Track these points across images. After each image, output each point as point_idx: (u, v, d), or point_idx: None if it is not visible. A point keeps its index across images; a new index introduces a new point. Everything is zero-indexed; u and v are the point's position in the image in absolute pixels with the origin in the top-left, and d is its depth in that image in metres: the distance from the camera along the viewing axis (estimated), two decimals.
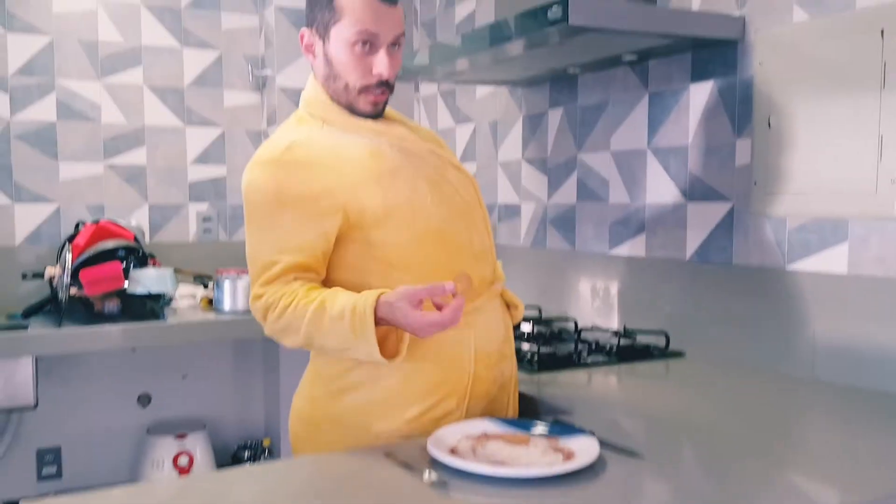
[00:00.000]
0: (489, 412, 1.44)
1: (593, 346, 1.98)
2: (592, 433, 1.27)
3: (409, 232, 1.36)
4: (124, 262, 2.56)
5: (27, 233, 2.80)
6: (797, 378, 1.73)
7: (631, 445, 1.24)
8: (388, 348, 1.28)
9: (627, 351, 1.97)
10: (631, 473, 1.14)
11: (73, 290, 2.50)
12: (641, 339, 2.06)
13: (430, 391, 1.36)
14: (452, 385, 1.37)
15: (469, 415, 1.40)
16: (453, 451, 1.19)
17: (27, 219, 2.80)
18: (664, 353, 1.99)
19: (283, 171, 1.33)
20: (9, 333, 2.34)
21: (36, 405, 2.39)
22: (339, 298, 1.27)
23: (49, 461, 2.80)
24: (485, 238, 1.47)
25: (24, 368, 2.36)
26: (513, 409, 1.51)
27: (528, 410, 1.58)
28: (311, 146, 1.36)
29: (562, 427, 1.28)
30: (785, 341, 1.79)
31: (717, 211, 1.95)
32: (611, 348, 1.98)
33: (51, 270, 2.53)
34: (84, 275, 2.47)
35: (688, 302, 2.03)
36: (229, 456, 2.98)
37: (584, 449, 1.19)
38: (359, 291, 1.36)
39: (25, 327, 2.46)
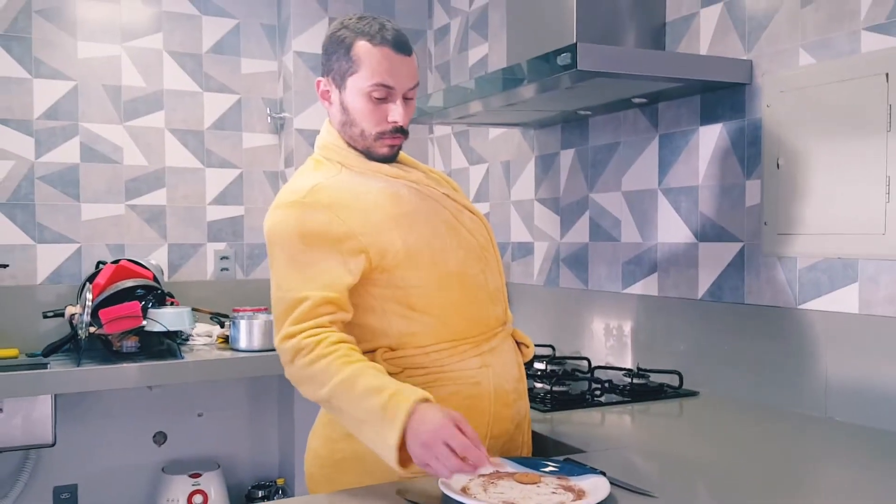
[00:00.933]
0: (506, 451, 1.45)
1: (606, 385, 1.99)
2: (603, 473, 1.28)
3: (429, 274, 1.38)
4: (143, 301, 2.60)
5: (49, 272, 2.86)
6: (810, 417, 1.72)
7: (642, 485, 1.24)
8: (401, 454, 1.20)
9: (641, 390, 1.98)
10: None
11: (93, 329, 2.54)
12: (655, 379, 2.06)
13: None
14: (473, 424, 1.38)
15: (488, 454, 1.40)
16: (464, 490, 1.20)
17: (49, 258, 2.86)
18: (678, 392, 1.99)
19: (307, 212, 1.34)
20: (29, 372, 2.38)
21: (54, 443, 2.41)
22: (384, 376, 1.26)
23: (66, 499, 2.82)
24: (498, 278, 1.49)
25: (44, 406, 2.39)
26: (527, 448, 1.52)
27: (541, 449, 1.59)
28: (333, 189, 1.38)
29: (573, 466, 1.29)
30: (797, 380, 1.79)
31: (729, 251, 1.97)
32: (624, 387, 1.99)
33: (71, 309, 2.58)
34: (103, 314, 2.51)
35: (701, 341, 2.04)
36: (243, 496, 2.98)
37: (594, 488, 1.19)
38: (380, 332, 1.37)
39: (45, 366, 2.50)
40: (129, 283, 2.62)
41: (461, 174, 3.12)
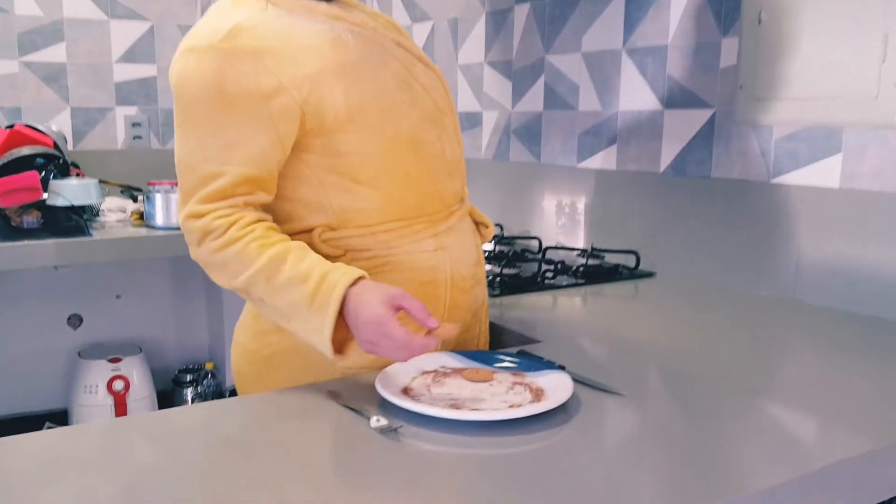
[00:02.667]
0: (461, 343, 1.28)
1: (559, 267, 1.83)
2: (563, 367, 1.12)
3: (376, 139, 1.15)
4: (43, 172, 2.31)
5: None
6: (777, 300, 1.60)
7: (603, 379, 1.09)
8: (336, 340, 1.06)
9: (595, 272, 1.83)
10: (608, 413, 0.99)
11: None
12: (610, 259, 1.91)
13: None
14: None
15: (443, 346, 1.24)
16: (406, 391, 1.03)
17: None
18: (633, 273, 1.85)
19: (225, 61, 1.08)
20: None
21: None
22: (309, 258, 1.06)
23: None
24: (456, 148, 1.28)
25: None
26: (484, 339, 1.36)
27: (493, 340, 1.43)
28: (258, 31, 1.11)
29: (529, 361, 1.13)
30: (765, 261, 1.65)
31: (697, 119, 1.78)
32: (577, 269, 1.83)
33: None
34: None
35: (660, 219, 1.88)
36: (170, 380, 2.82)
37: (555, 387, 1.04)
38: (316, 207, 1.16)
39: None
40: (25, 150, 2.31)
41: None
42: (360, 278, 1.04)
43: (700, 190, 1.79)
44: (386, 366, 1.14)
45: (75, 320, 2.72)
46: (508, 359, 1.14)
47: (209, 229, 1.08)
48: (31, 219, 2.32)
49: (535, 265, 1.84)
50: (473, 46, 2.47)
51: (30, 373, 2.69)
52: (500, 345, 1.42)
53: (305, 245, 1.10)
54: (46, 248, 2.23)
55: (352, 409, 1.00)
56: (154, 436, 0.93)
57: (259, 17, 1.12)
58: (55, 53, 2.66)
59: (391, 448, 0.89)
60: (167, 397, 2.80)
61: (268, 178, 1.11)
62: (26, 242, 2.22)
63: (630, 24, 1.93)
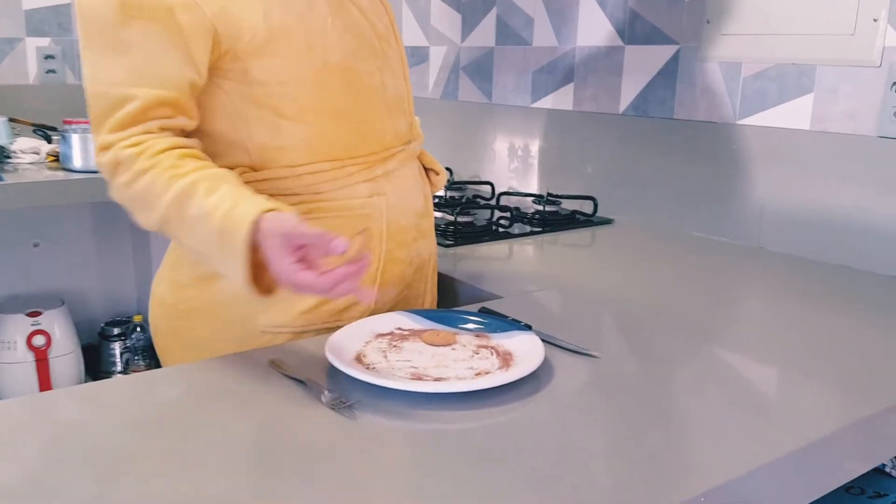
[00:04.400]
0: (403, 302, 1.17)
1: (514, 214, 1.72)
2: (529, 327, 1.03)
3: (302, 67, 1.01)
4: None
5: None
6: (740, 247, 1.54)
7: (573, 340, 1.00)
8: (266, 278, 0.91)
9: (552, 219, 1.73)
10: (583, 378, 0.90)
11: None
12: (567, 206, 1.82)
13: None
14: None
15: (378, 306, 1.12)
16: (359, 359, 0.92)
17: None
18: (591, 220, 1.76)
19: None
20: None
21: None
22: (221, 189, 0.91)
23: None
24: (401, 83, 1.14)
25: None
26: (431, 297, 1.24)
27: (447, 295, 1.33)
28: None
29: (493, 320, 1.03)
30: (728, 206, 1.58)
31: (660, 56, 1.68)
32: (533, 216, 1.73)
33: None
34: None
35: (619, 163, 1.79)
36: (96, 334, 2.64)
37: (525, 352, 0.94)
38: (237, 145, 1.03)
39: None
40: None
41: None
42: (266, 211, 0.88)
43: (662, 131, 1.70)
44: (319, 329, 1.03)
45: None
46: (471, 318, 1.04)
47: (118, 160, 0.94)
48: None
49: (489, 212, 1.73)
50: None
51: None
52: (455, 302, 1.31)
53: (225, 172, 0.96)
54: None
55: (298, 380, 0.88)
56: (66, 416, 0.80)
57: None
58: None
59: (345, 426, 0.78)
60: (94, 352, 2.62)
61: (185, 101, 0.97)
62: None
63: None
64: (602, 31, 1.79)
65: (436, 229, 1.56)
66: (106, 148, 0.95)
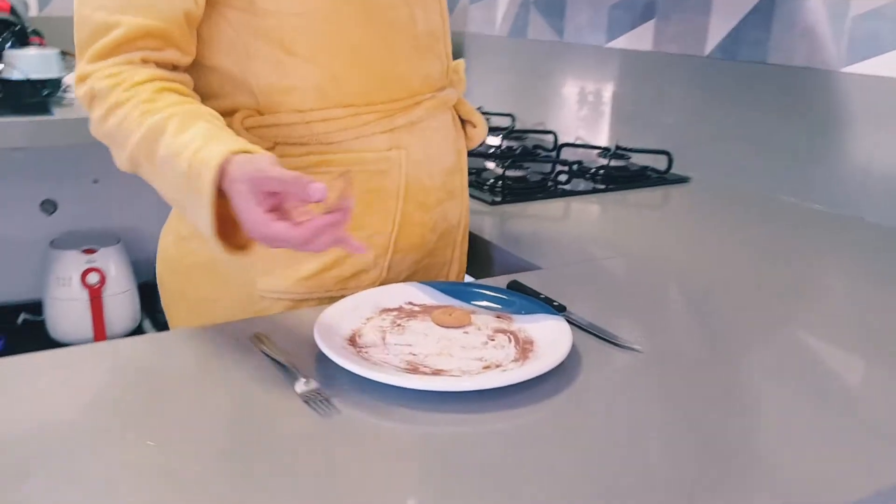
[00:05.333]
0: (424, 271, 1.03)
1: (575, 168, 1.54)
2: (562, 308, 0.87)
3: None
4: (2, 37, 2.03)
5: None
6: (834, 216, 1.32)
7: (617, 328, 0.84)
8: (241, 233, 0.78)
9: (618, 175, 1.54)
10: (614, 380, 0.74)
11: None
12: (637, 160, 1.62)
13: None
14: (369, 231, 0.95)
15: (392, 274, 0.98)
16: (353, 340, 0.79)
17: None
18: (664, 177, 1.56)
19: None
20: None
21: None
22: (192, 128, 0.78)
23: None
24: (435, 19, 0.98)
25: None
26: (459, 266, 1.09)
27: (480, 263, 1.17)
28: None
29: (520, 299, 0.87)
30: (824, 168, 1.36)
31: None
32: (597, 171, 1.55)
33: None
34: None
35: (701, 113, 1.58)
36: (151, 273, 2.61)
37: (548, 339, 0.78)
38: (241, 84, 0.90)
39: None
40: None
41: None
42: (234, 153, 0.74)
43: (753, 78, 1.47)
44: (322, 298, 0.90)
45: (49, 206, 2.50)
46: (494, 294, 0.89)
47: (94, 93, 0.83)
48: None
49: (548, 166, 1.56)
50: None
51: (4, 261, 2.50)
52: (488, 272, 1.16)
53: (202, 109, 0.82)
54: (3, 127, 1.97)
55: (277, 361, 0.75)
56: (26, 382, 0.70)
57: None
58: None
59: (316, 424, 0.66)
60: (152, 291, 2.60)
61: (177, 33, 0.85)
62: None
63: None
64: None
65: (481, 184, 1.41)
66: (83, 79, 0.84)
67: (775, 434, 0.66)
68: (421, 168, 0.97)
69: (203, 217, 0.75)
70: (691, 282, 1.01)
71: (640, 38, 1.70)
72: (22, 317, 2.52)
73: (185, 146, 0.76)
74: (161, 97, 0.81)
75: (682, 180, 1.56)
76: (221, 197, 0.75)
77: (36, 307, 2.49)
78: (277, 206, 0.73)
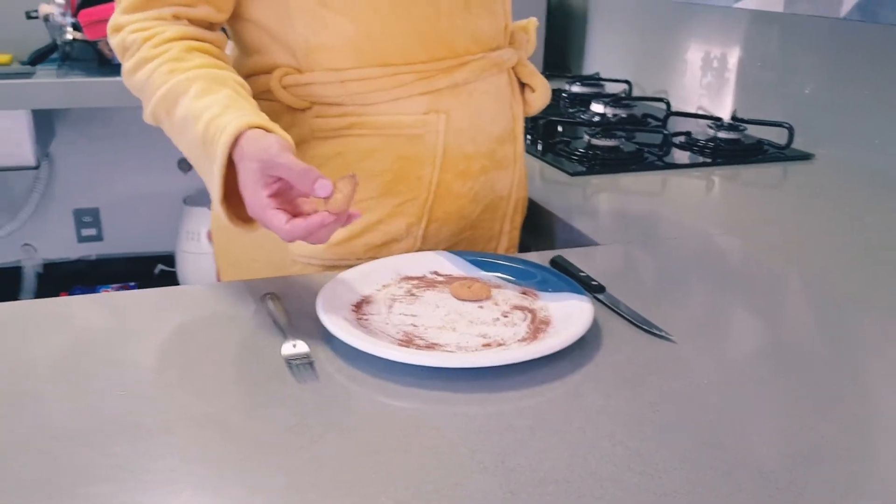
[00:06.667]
0: (467, 243, 0.97)
1: (682, 140, 1.41)
2: (601, 288, 0.78)
3: None
4: None
5: None
6: None
7: (658, 315, 0.74)
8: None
9: (729, 148, 1.39)
10: (638, 370, 0.65)
11: (77, 35, 2.13)
12: (753, 133, 1.46)
13: (366, 204, 0.90)
14: (401, 198, 0.90)
15: (428, 245, 0.93)
16: (360, 306, 0.75)
17: None
18: (782, 153, 1.40)
19: None
20: (3, 82, 2.03)
21: (37, 165, 2.12)
22: (215, 93, 0.76)
23: (88, 223, 2.62)
24: None
25: (21, 123, 2.07)
26: (509, 241, 1.02)
27: (541, 237, 1.09)
28: None
29: (553, 277, 0.79)
30: None
31: None
32: (706, 143, 1.41)
33: (45, 8, 2.15)
34: (83, 15, 2.07)
35: (832, 81, 1.39)
36: None
37: (567, 318, 0.71)
38: (280, 37, 0.88)
39: (30, 75, 2.15)
40: None
41: None
42: (249, 127, 0.72)
43: (892, 43, 1.28)
44: (352, 264, 0.86)
45: (185, 164, 2.64)
46: (526, 269, 0.82)
47: (125, 45, 0.83)
48: None
49: (654, 136, 1.43)
50: None
51: (143, 214, 2.67)
52: (550, 246, 1.08)
53: (228, 75, 0.81)
54: None
55: (275, 321, 0.73)
56: (37, 323, 0.72)
57: None
58: None
59: (290, 388, 0.62)
60: None
61: None
62: (117, 79, 2.08)
63: None
64: None
65: (570, 154, 1.32)
66: (117, 30, 0.85)
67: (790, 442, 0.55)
68: (463, 134, 0.90)
69: (213, 183, 0.74)
70: (780, 270, 0.88)
71: None
72: (158, 268, 2.69)
73: (205, 109, 0.75)
74: (189, 56, 0.80)
75: (804, 157, 1.39)
76: (232, 167, 0.73)
77: (171, 259, 2.65)
78: (283, 192, 0.71)
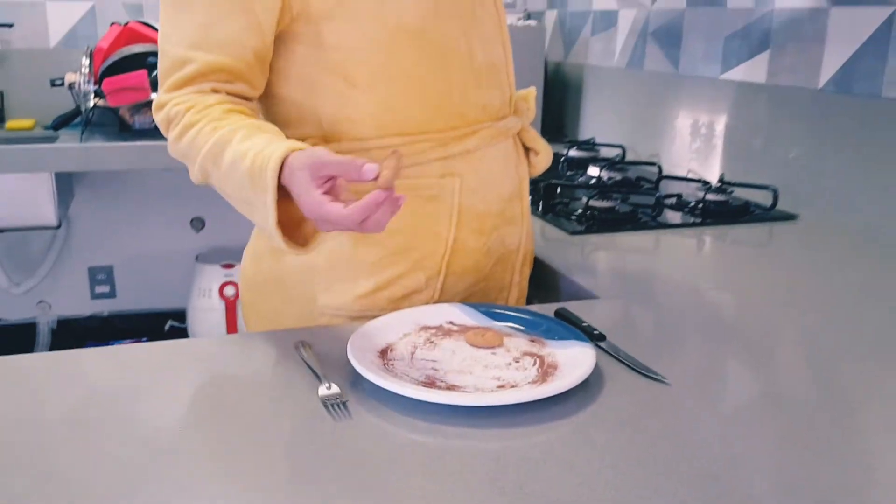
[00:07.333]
0: (480, 294, 1.05)
1: (673, 201, 1.51)
2: (602, 337, 0.87)
3: (373, 30, 0.93)
4: (154, 71, 2.26)
5: (62, 34, 2.54)
6: None
7: (659, 361, 0.82)
8: (303, 231, 0.87)
9: (718, 209, 1.49)
10: (633, 409, 0.73)
11: (99, 102, 2.25)
12: (740, 194, 1.56)
13: (388, 261, 0.98)
14: (421, 255, 0.99)
15: (445, 297, 1.02)
16: (384, 353, 0.83)
17: (61, 18, 2.53)
18: (768, 213, 1.50)
19: None
20: (25, 146, 2.13)
21: (59, 225, 2.22)
22: (255, 139, 0.86)
23: (102, 280, 2.71)
24: (496, 49, 1.02)
25: (45, 185, 2.17)
26: (519, 291, 1.11)
27: (546, 289, 1.18)
28: None
29: (557, 325, 0.88)
30: None
31: (871, 19, 1.37)
32: (696, 204, 1.51)
33: (71, 77, 2.28)
34: (107, 83, 2.19)
35: (813, 147, 1.50)
36: None
37: (572, 363, 0.79)
38: (307, 112, 0.98)
39: (54, 140, 2.26)
40: (137, 48, 2.27)
41: None
42: (292, 150, 0.82)
43: (867, 112, 1.39)
44: (376, 316, 0.94)
45: (198, 223, 2.74)
46: (533, 319, 0.90)
47: (169, 118, 0.92)
48: (144, 119, 2.30)
49: (647, 198, 1.53)
50: None
51: (155, 272, 2.76)
52: (554, 298, 1.16)
53: (267, 125, 0.90)
54: (158, 150, 2.20)
55: (309, 366, 0.81)
56: (83, 370, 0.80)
57: None
58: None
59: (327, 425, 0.70)
60: None
61: (245, 69, 0.92)
62: (137, 143, 2.20)
63: None
64: None
65: (569, 214, 1.41)
66: (161, 106, 0.94)
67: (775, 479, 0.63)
68: (476, 194, 1.00)
69: (266, 210, 0.81)
70: (768, 322, 0.97)
71: (754, 70, 1.64)
72: (169, 324, 2.76)
73: (248, 149, 0.84)
74: (229, 115, 0.90)
75: (788, 217, 1.49)
76: (283, 197, 0.82)
77: (182, 315, 2.73)
78: (333, 192, 0.79)
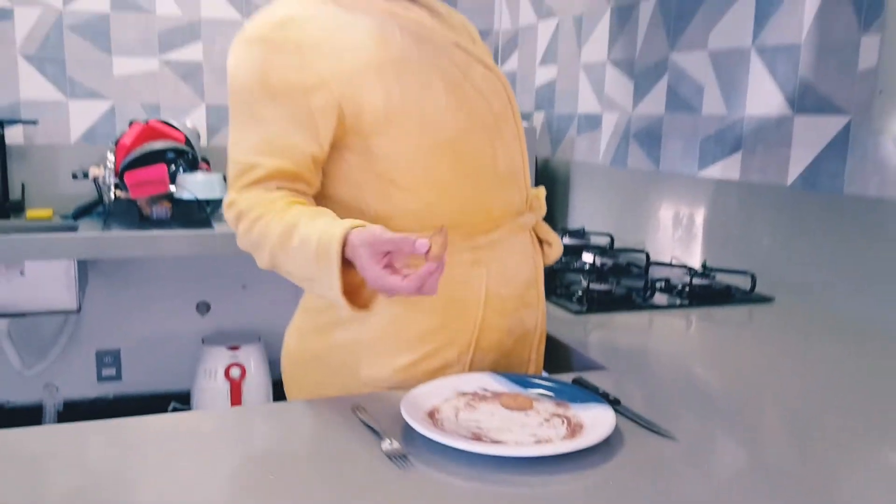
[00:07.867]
0: (503, 368, 1.19)
1: (661, 286, 1.67)
2: (617, 401, 1.01)
3: (412, 145, 1.09)
4: (172, 166, 2.43)
5: (82, 130, 2.71)
6: None
7: (667, 420, 0.96)
8: (363, 295, 1.03)
9: (702, 293, 1.66)
10: (648, 461, 0.87)
11: (120, 193, 2.40)
12: (722, 279, 1.73)
13: (425, 337, 1.12)
14: (453, 332, 1.13)
15: (473, 369, 1.15)
16: (432, 414, 0.96)
17: (82, 116, 2.70)
18: (748, 297, 1.66)
19: (271, 52, 1.07)
20: (48, 235, 2.26)
21: (79, 309, 2.33)
22: (318, 221, 1.01)
23: (109, 363, 2.79)
24: (515, 157, 1.19)
25: (67, 271, 2.29)
26: (535, 366, 1.25)
27: (559, 363, 1.32)
28: (308, 25, 1.08)
29: (577, 390, 1.02)
30: None
31: (831, 126, 1.57)
32: (683, 288, 1.67)
33: (95, 171, 2.43)
34: (129, 176, 2.35)
35: (784, 237, 1.68)
36: None
37: (595, 423, 0.92)
38: (354, 210, 1.13)
39: (74, 229, 2.39)
40: (157, 145, 2.44)
41: (529, 32, 2.73)
42: (352, 228, 0.98)
43: (831, 207, 1.57)
44: (420, 382, 1.07)
45: (203, 308, 2.85)
46: (557, 386, 1.04)
47: (240, 213, 1.07)
48: (161, 210, 2.45)
49: (637, 281, 1.70)
50: (597, 44, 2.34)
51: (160, 354, 2.85)
52: (566, 370, 1.30)
53: (325, 209, 1.06)
54: (173, 239, 2.33)
55: (369, 426, 0.94)
56: (150, 437, 0.92)
57: (314, 10, 1.10)
58: (192, 52, 2.79)
59: (394, 475, 0.82)
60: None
61: (305, 173, 1.08)
62: (153, 232, 2.33)
63: (761, 18, 1.74)
64: (771, 99, 1.72)
65: (570, 295, 1.57)
66: (231, 205, 1.09)
67: None
68: (499, 281, 1.15)
69: (332, 282, 0.96)
70: (750, 392, 1.12)
71: (728, 168, 1.84)
72: (172, 405, 2.84)
73: (313, 231, 0.99)
74: (292, 206, 1.05)
75: (766, 300, 1.66)
76: (346, 266, 0.96)
77: (185, 397, 2.80)
78: (390, 264, 0.94)
